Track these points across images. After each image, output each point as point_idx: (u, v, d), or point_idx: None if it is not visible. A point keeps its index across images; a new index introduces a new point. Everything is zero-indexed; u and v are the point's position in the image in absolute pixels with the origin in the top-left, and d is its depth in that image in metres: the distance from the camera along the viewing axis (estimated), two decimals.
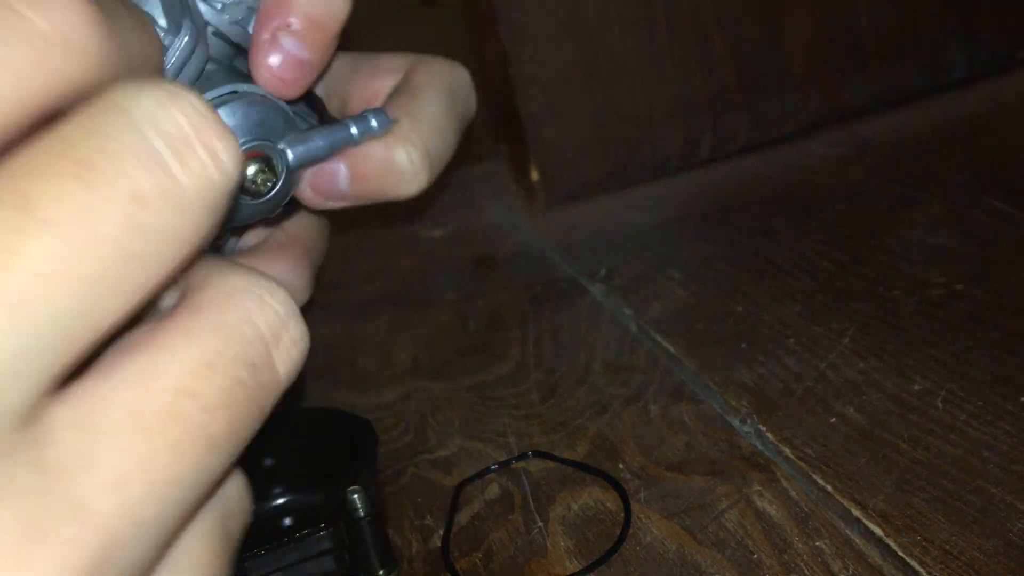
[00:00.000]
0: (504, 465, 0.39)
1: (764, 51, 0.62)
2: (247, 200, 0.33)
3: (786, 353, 0.42)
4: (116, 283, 0.16)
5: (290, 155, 0.34)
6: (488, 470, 0.38)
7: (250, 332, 0.17)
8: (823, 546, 0.31)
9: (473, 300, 0.52)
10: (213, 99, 0.32)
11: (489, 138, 0.68)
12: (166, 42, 0.31)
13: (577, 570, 0.33)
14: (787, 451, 0.36)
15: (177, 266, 0.17)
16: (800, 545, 0.32)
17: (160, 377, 0.16)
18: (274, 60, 0.32)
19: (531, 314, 0.50)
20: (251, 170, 0.33)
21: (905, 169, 0.56)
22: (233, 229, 0.36)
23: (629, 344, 0.45)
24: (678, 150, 0.62)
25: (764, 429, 0.37)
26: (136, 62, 0.19)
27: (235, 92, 0.33)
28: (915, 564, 0.30)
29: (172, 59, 0.31)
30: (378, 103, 0.38)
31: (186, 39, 0.31)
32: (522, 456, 0.39)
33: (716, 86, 0.61)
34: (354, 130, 0.34)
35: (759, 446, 0.37)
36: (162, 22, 0.31)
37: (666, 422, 0.39)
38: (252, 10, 0.33)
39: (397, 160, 0.35)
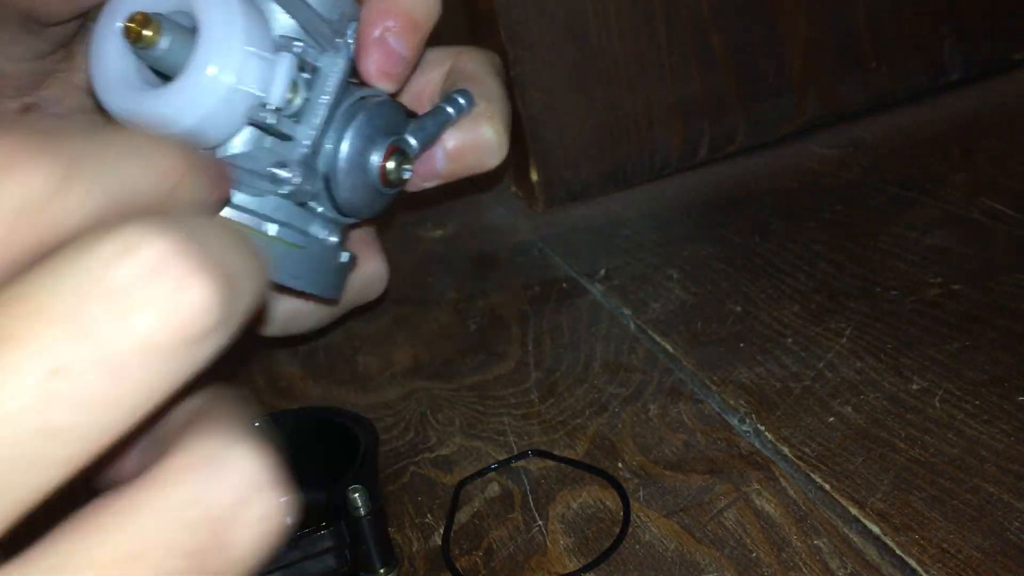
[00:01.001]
0: (504, 464, 0.39)
1: (762, 53, 0.62)
2: (389, 191, 0.37)
3: (784, 353, 0.42)
4: (33, 460, 0.14)
5: (414, 144, 0.38)
6: (488, 469, 0.39)
7: (196, 514, 0.15)
8: (821, 544, 0.32)
9: (473, 300, 0.53)
10: (347, 106, 0.35)
11: None
12: (322, 63, 0.34)
13: (577, 568, 0.33)
14: (785, 450, 0.36)
15: (127, 426, 0.15)
16: (798, 543, 0.32)
17: (79, 565, 0.14)
18: (380, 57, 0.36)
19: (531, 314, 0.50)
20: (391, 165, 0.36)
21: (902, 170, 0.56)
22: (360, 222, 0.40)
23: (628, 344, 0.45)
24: (676, 151, 0.63)
25: (762, 428, 0.38)
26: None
27: (363, 99, 0.36)
28: (913, 562, 0.30)
29: (333, 77, 0.34)
30: (430, 94, 0.42)
31: (340, 61, 0.35)
32: (522, 455, 0.39)
33: (714, 88, 0.62)
34: (451, 111, 0.39)
35: (757, 445, 0.37)
36: (311, 47, 0.34)
37: (665, 421, 0.39)
38: (353, 21, 0.36)
39: (485, 136, 0.40)
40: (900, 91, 0.65)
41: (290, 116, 0.33)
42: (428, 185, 0.40)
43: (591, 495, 0.36)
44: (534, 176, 0.61)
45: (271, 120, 0.32)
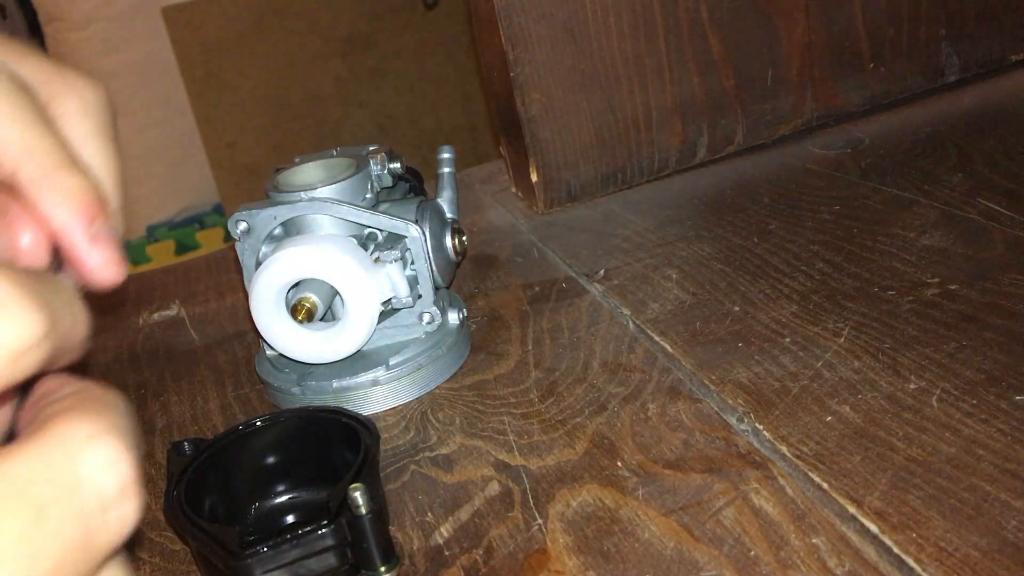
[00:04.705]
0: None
1: (760, 55, 0.62)
2: (458, 259, 0.49)
3: (782, 352, 0.42)
4: None
5: (454, 217, 0.50)
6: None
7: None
8: (819, 543, 0.32)
9: (473, 300, 0.53)
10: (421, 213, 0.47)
11: (490, 141, 0.68)
12: (409, 243, 0.46)
13: (577, 565, 0.33)
14: (783, 449, 0.36)
15: None
16: (796, 542, 0.32)
17: None
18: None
19: (531, 314, 0.50)
20: (456, 241, 0.48)
21: (899, 171, 0.57)
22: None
23: (627, 343, 0.46)
24: (675, 152, 0.63)
25: (761, 427, 0.38)
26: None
27: (422, 202, 0.48)
28: (910, 561, 0.30)
29: (417, 248, 0.45)
30: None
31: (415, 233, 0.46)
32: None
33: (713, 89, 0.62)
34: (448, 169, 0.51)
35: (756, 444, 0.37)
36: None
37: (664, 420, 0.40)
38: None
39: None
40: (897, 92, 0.66)
41: (409, 294, 0.45)
42: None
43: (590, 494, 0.36)
44: (534, 176, 0.61)
45: (406, 303, 0.45)
